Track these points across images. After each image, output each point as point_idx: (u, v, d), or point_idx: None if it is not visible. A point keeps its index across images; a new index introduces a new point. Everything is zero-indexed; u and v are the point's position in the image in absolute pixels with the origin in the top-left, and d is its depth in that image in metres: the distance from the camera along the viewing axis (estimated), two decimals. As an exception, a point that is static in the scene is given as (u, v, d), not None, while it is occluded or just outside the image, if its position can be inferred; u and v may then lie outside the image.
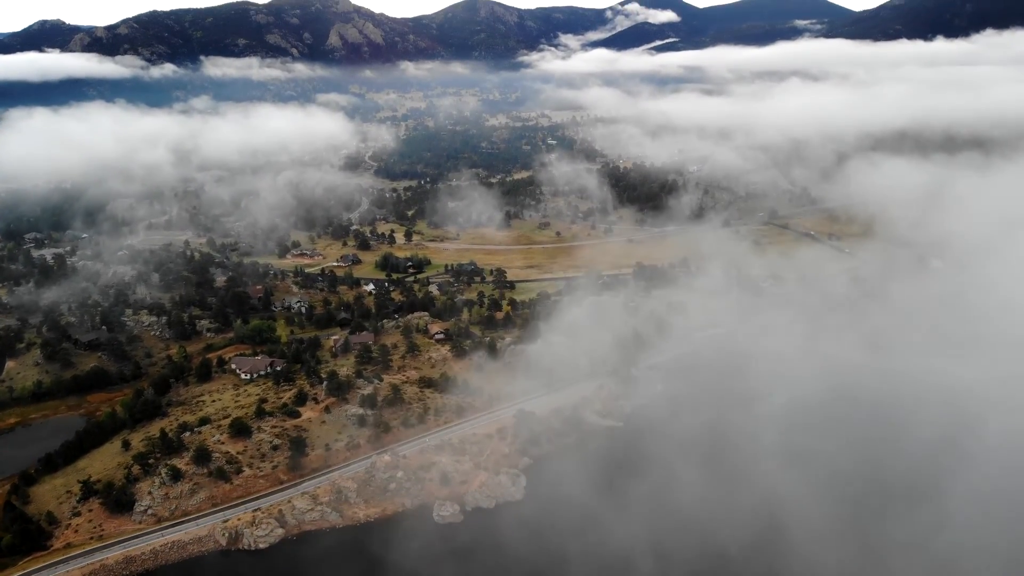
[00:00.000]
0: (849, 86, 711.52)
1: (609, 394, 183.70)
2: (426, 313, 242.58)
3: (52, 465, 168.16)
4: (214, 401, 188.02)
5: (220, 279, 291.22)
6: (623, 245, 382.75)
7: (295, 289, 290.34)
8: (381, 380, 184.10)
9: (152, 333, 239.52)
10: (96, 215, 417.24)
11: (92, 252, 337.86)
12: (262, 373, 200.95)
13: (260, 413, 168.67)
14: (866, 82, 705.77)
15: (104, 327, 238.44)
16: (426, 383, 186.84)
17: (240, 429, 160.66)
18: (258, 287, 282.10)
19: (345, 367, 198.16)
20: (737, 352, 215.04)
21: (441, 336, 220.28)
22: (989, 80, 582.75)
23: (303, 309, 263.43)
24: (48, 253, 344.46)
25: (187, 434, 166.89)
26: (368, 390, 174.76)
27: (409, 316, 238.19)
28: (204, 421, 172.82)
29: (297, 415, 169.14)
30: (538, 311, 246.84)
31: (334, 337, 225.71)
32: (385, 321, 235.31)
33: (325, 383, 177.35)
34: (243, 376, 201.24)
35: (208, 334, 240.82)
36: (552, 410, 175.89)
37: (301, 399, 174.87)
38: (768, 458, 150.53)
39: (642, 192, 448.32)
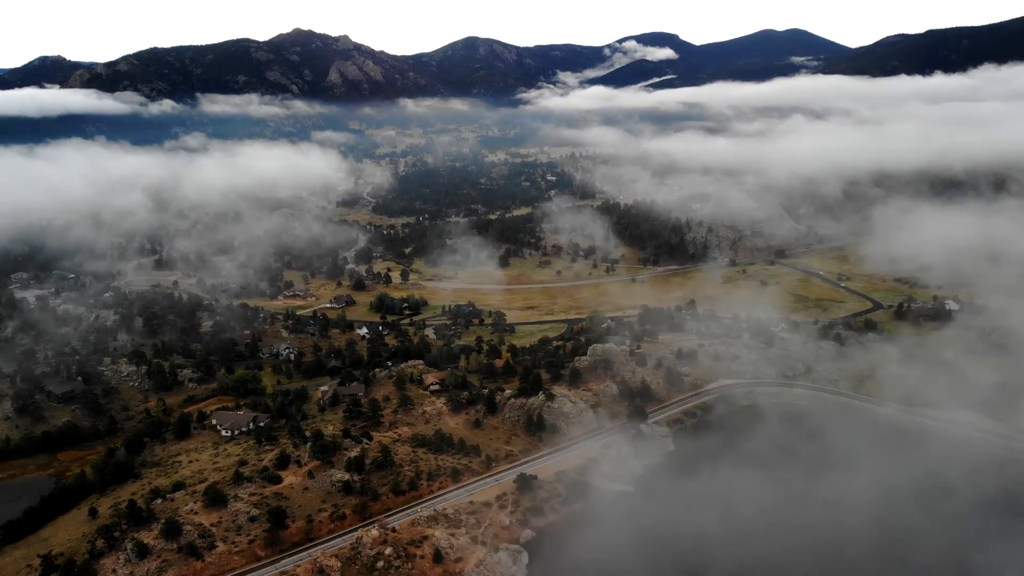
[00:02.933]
0: (852, 122, 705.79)
1: (618, 454, 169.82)
2: (421, 361, 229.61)
3: (14, 533, 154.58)
4: (191, 462, 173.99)
5: (207, 324, 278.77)
6: (626, 285, 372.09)
7: (285, 334, 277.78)
8: (370, 439, 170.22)
9: (131, 384, 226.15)
10: (83, 255, 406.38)
11: (76, 295, 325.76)
12: (244, 430, 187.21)
13: (238, 478, 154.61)
14: (871, 119, 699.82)
15: (80, 378, 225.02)
16: (419, 441, 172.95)
17: (215, 498, 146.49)
18: (246, 332, 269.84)
19: (332, 423, 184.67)
20: (751, 406, 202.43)
21: (436, 387, 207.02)
22: (997, 117, 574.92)
23: (291, 356, 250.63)
24: (32, 295, 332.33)
25: (159, 501, 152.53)
26: (355, 452, 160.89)
27: (403, 365, 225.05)
28: (178, 486, 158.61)
29: (278, 480, 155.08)
30: (539, 358, 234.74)
31: (322, 388, 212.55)
32: (377, 370, 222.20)
33: (309, 444, 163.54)
34: (224, 433, 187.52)
35: (190, 384, 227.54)
36: (556, 473, 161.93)
37: (283, 461, 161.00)
38: (793, 538, 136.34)
39: (644, 230, 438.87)
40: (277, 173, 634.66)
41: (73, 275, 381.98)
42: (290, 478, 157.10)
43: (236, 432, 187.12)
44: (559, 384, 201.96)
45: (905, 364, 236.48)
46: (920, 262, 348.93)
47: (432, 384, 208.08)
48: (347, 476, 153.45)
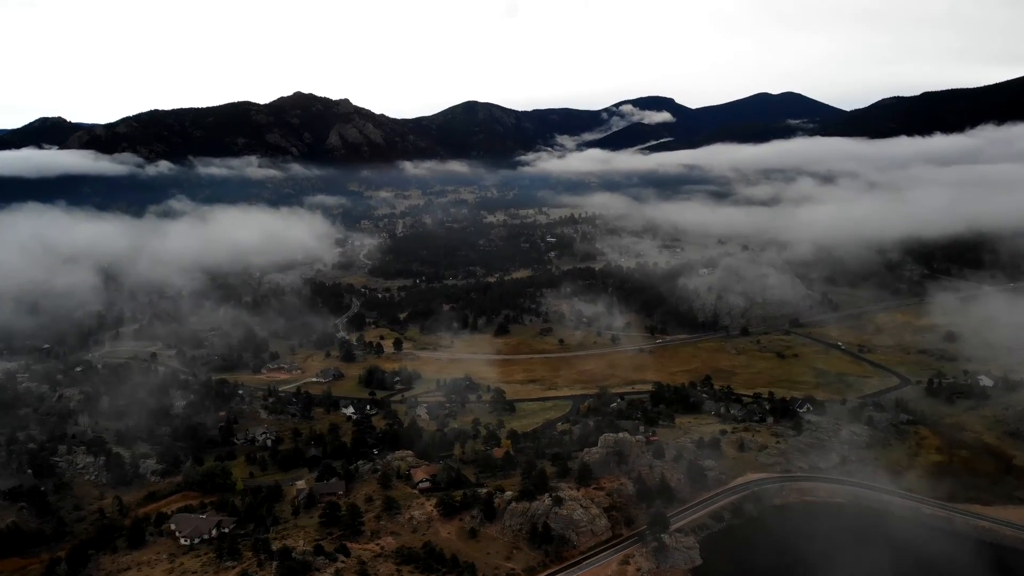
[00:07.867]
0: (863, 185, 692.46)
1: (637, 572, 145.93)
2: (410, 452, 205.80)
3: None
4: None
5: (179, 404, 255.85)
6: (633, 355, 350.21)
7: (263, 415, 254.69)
8: (347, 555, 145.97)
9: (87, 478, 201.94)
10: (60, 323, 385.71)
11: (43, 369, 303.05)
12: (205, 537, 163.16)
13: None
14: (882, 182, 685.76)
15: (31, 471, 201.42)
16: (405, 556, 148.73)
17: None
18: (221, 414, 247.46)
19: (306, 531, 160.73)
20: (785, 506, 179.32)
21: (427, 484, 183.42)
22: (1012, 179, 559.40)
23: (268, 443, 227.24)
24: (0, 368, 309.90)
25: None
26: (329, 573, 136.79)
27: (390, 456, 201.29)
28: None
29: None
30: (543, 446, 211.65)
31: (299, 484, 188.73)
32: (361, 463, 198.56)
33: (275, 564, 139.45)
34: (183, 541, 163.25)
35: (153, 478, 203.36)
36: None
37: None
38: None
39: (650, 296, 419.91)
40: (258, 243, 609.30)
41: (47, 345, 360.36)
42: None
43: (196, 540, 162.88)
44: (566, 481, 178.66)
45: (944, 451, 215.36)
46: (945, 332, 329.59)
47: (422, 481, 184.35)
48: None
